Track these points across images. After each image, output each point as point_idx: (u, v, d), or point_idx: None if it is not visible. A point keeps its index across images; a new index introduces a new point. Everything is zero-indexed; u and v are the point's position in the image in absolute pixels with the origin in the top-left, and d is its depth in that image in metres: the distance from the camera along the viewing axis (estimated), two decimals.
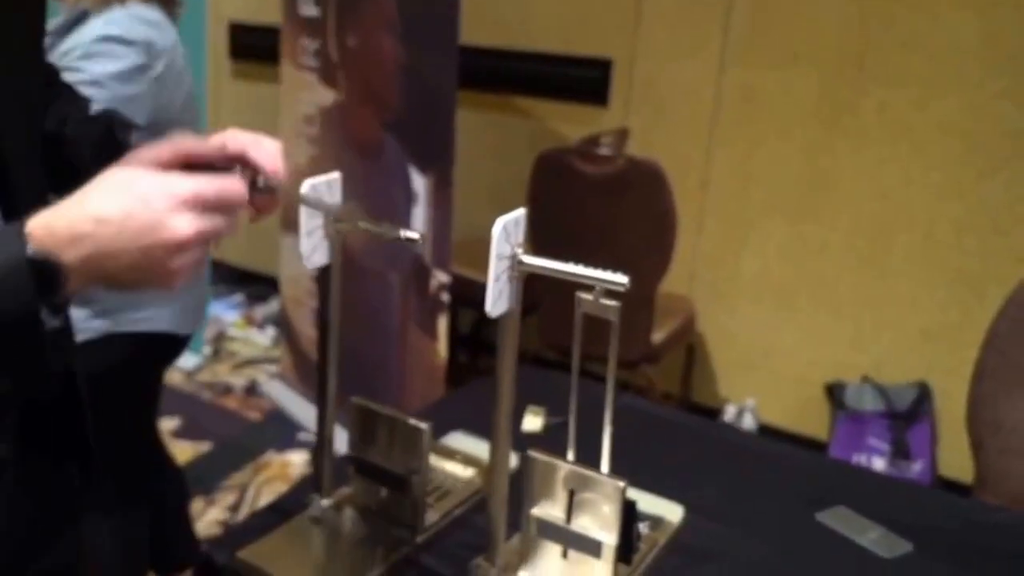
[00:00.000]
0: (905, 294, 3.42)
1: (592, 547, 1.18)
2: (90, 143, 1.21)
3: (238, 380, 4.12)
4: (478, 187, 3.52)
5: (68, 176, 1.11)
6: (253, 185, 1.09)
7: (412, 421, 1.28)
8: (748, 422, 3.71)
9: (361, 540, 1.32)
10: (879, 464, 3.31)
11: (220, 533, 3.00)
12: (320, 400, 1.31)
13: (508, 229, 1.05)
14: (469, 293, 3.36)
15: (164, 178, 0.86)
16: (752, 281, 3.71)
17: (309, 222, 1.16)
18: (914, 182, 3.31)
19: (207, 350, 4.36)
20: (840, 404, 3.52)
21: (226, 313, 4.69)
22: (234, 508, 3.17)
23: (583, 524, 1.20)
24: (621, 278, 1.01)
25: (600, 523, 1.19)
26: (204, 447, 3.45)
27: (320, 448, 1.33)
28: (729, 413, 3.77)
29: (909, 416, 3.40)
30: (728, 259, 3.74)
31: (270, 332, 4.55)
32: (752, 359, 3.79)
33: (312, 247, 1.18)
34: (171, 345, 2.24)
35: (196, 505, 3.13)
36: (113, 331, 2.06)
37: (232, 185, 0.90)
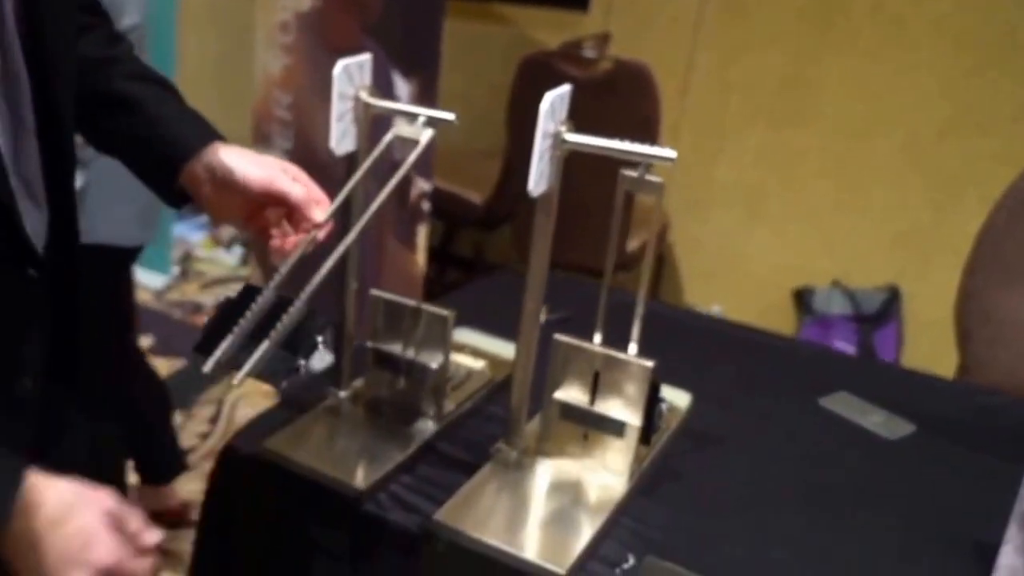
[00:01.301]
0: (881, 199, 3.43)
1: (616, 428, 1.21)
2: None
3: (207, 299, 4.08)
4: (452, 97, 3.48)
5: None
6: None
7: (436, 309, 1.29)
8: None
9: (381, 429, 1.34)
10: None
11: (196, 447, 3.00)
12: (338, 291, 1.31)
13: (555, 106, 1.04)
14: (441, 205, 3.35)
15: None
16: (725, 189, 3.70)
17: (340, 106, 1.15)
18: (900, 85, 3.30)
19: (175, 270, 4.31)
20: (808, 309, 3.56)
21: (192, 234, 4.63)
22: (212, 421, 3.17)
23: (606, 406, 1.22)
24: (669, 152, 1.01)
25: (624, 404, 1.21)
26: (179, 364, 3.43)
27: (339, 341, 1.34)
28: None
29: (877, 319, 3.45)
30: (703, 167, 3.71)
31: (237, 252, 4.50)
32: (721, 266, 3.80)
33: (341, 132, 1.17)
34: (117, 257, 2.19)
35: (176, 420, 3.12)
36: None
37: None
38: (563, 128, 1.07)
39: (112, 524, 0.84)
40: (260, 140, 3.59)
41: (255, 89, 3.58)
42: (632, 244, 3.25)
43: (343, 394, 1.37)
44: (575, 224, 2.85)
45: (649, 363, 1.17)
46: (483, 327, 1.62)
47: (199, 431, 3.10)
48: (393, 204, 3.01)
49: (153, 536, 0.86)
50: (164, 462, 2.56)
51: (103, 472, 1.11)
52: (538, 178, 1.05)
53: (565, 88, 1.06)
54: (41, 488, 0.83)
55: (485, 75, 3.70)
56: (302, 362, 0.95)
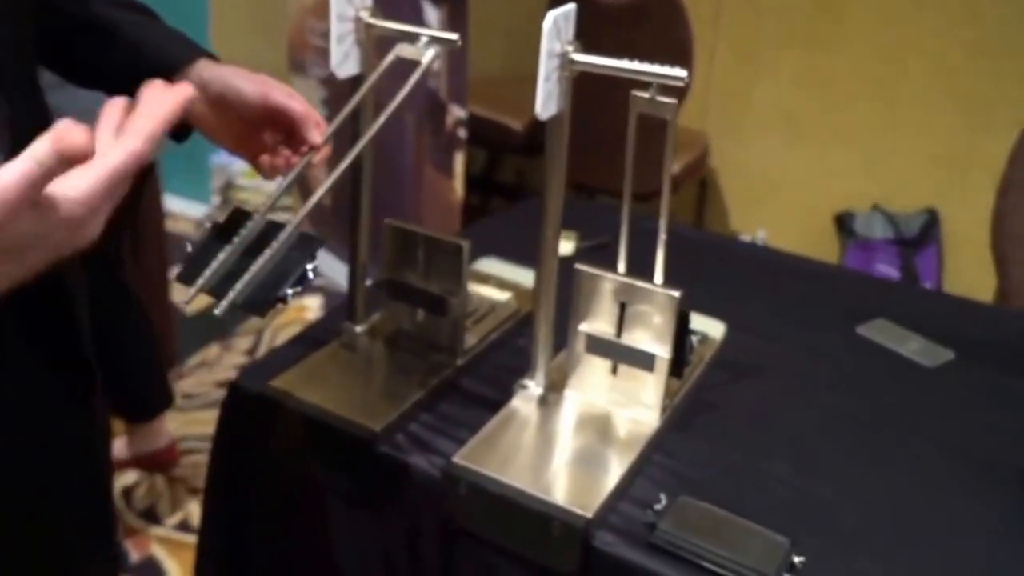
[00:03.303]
0: (915, 121, 3.37)
1: (645, 361, 1.15)
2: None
3: None
4: (488, 24, 3.40)
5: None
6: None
7: (451, 239, 1.22)
8: None
9: (398, 365, 1.29)
10: None
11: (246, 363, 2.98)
12: (352, 225, 1.25)
13: (559, 24, 0.98)
14: (481, 133, 3.28)
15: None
16: (764, 112, 3.64)
17: (340, 27, 1.08)
18: (928, 6, 3.23)
19: (215, 199, 4.27)
20: (850, 232, 3.50)
21: (232, 163, 4.57)
22: (250, 352, 3.15)
23: (634, 338, 1.16)
24: (679, 72, 0.95)
25: (653, 336, 1.15)
26: None
27: (353, 273, 1.28)
28: None
29: (917, 242, 3.41)
30: (740, 91, 3.66)
31: (279, 179, 4.43)
32: (763, 191, 3.75)
33: (343, 54, 1.10)
34: None
35: (212, 351, 3.11)
36: None
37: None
38: (570, 48, 0.99)
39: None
40: (295, 68, 3.53)
41: (289, 17, 3.51)
42: (673, 168, 3.17)
43: (359, 329, 1.31)
44: (618, 149, 2.79)
45: (676, 292, 1.11)
46: (513, 256, 1.56)
47: (236, 363, 3.08)
48: (429, 132, 2.95)
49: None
50: (144, 396, 2.44)
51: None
52: (545, 100, 0.98)
53: (570, 6, 1.00)
54: None
55: (523, 1, 3.62)
56: (289, 292, 0.89)
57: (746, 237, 3.75)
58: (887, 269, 3.38)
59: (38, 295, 0.97)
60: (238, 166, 4.55)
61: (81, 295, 1.03)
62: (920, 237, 3.41)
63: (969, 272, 3.24)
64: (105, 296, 2.11)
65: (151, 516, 2.42)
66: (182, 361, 3.00)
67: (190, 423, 2.72)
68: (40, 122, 0.92)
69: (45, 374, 1.01)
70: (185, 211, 4.05)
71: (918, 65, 3.32)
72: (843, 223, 3.55)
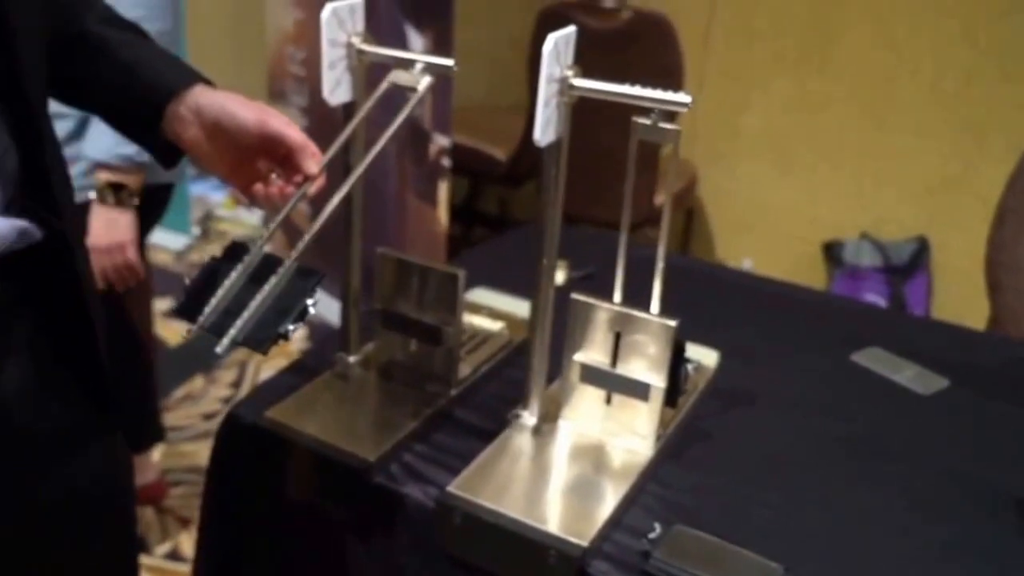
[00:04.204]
0: (907, 148, 3.36)
1: (640, 390, 1.15)
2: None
3: None
4: (472, 52, 3.41)
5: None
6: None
7: (446, 268, 1.22)
8: None
9: (392, 395, 1.28)
10: None
11: (231, 401, 2.96)
12: (345, 253, 1.25)
13: (559, 48, 0.97)
14: (464, 162, 3.28)
15: None
16: (753, 139, 3.64)
17: (332, 52, 1.08)
18: (924, 29, 3.22)
19: (195, 231, 4.27)
20: (838, 261, 3.50)
21: (212, 194, 4.58)
22: (235, 384, 3.13)
23: (629, 368, 1.16)
24: (684, 97, 0.94)
25: (647, 366, 1.14)
26: None
27: (346, 303, 1.28)
28: None
29: (907, 270, 3.40)
30: (729, 118, 3.65)
31: (258, 211, 4.44)
32: (750, 220, 3.74)
33: (335, 81, 1.10)
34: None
35: (197, 384, 3.09)
36: None
37: None
38: (570, 73, 0.99)
39: None
40: (275, 97, 3.52)
41: (268, 45, 3.51)
42: (660, 198, 3.19)
43: (352, 359, 1.31)
44: (601, 178, 2.81)
45: (672, 322, 1.10)
46: (502, 286, 1.56)
47: (221, 395, 3.06)
48: (411, 161, 2.95)
49: None
50: (140, 429, 2.40)
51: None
52: (544, 126, 0.97)
53: (570, 29, 0.99)
54: None
55: (507, 30, 3.63)
56: (290, 327, 0.88)
57: (731, 267, 3.75)
58: (875, 298, 3.37)
59: (68, 331, 0.99)
60: (217, 197, 4.55)
61: (102, 331, 1.03)
62: (910, 265, 3.39)
63: (958, 301, 3.23)
64: (109, 330, 2.12)
65: (141, 546, 2.40)
66: (167, 394, 2.98)
67: (176, 455, 2.70)
68: (45, 145, 0.92)
69: (72, 409, 1.02)
70: (164, 243, 4.03)
71: (911, 91, 3.30)
72: (831, 252, 3.54)
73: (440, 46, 2.73)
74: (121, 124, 1.06)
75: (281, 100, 3.43)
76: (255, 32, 3.71)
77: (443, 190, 2.91)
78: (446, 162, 2.86)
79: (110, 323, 1.03)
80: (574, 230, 1.73)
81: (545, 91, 0.96)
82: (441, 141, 2.84)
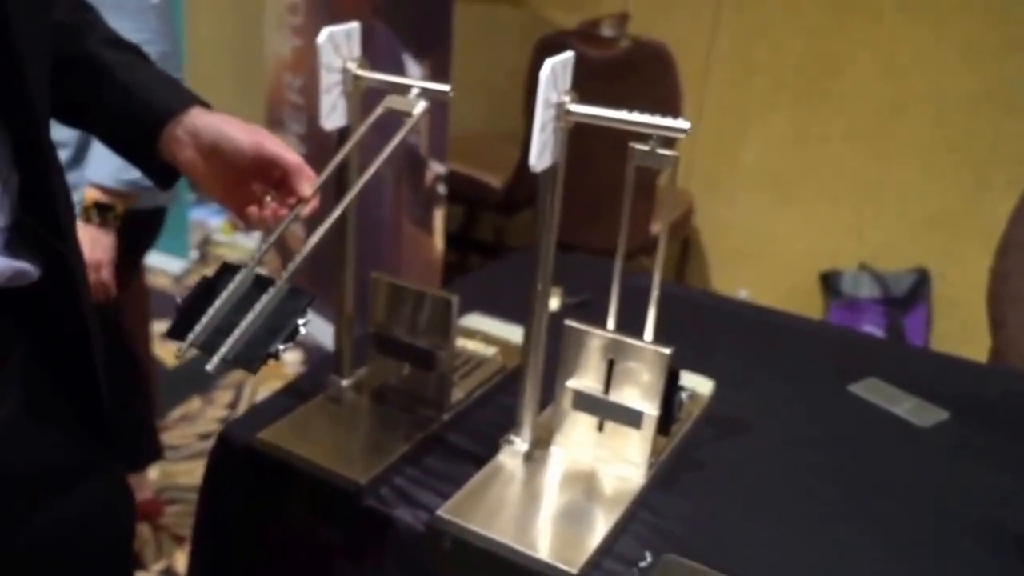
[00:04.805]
0: (908, 179, 3.35)
1: (632, 418, 1.14)
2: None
3: None
4: (469, 81, 3.42)
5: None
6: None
7: (440, 293, 1.22)
8: None
9: (384, 419, 1.28)
10: None
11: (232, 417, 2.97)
12: (338, 277, 1.25)
13: (556, 73, 0.97)
14: (460, 189, 3.29)
15: None
16: (751, 170, 3.63)
17: (328, 78, 1.08)
18: (926, 62, 3.22)
19: (193, 255, 4.27)
20: (835, 292, 3.49)
21: (211, 218, 4.59)
22: (232, 405, 3.13)
23: (622, 395, 1.15)
24: (682, 123, 0.94)
25: (641, 393, 1.14)
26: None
27: (339, 327, 1.28)
28: None
29: (906, 302, 3.37)
30: (727, 148, 3.65)
31: (256, 235, 4.45)
32: (747, 249, 3.73)
33: (330, 106, 1.10)
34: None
35: (193, 405, 3.09)
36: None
37: None
38: (567, 98, 0.99)
39: None
40: (274, 124, 3.54)
41: (266, 72, 3.53)
42: (656, 227, 3.19)
43: (345, 382, 1.31)
44: (598, 205, 2.81)
45: (666, 350, 1.10)
46: (497, 312, 1.56)
47: (218, 416, 3.07)
48: (407, 187, 2.95)
49: None
50: (137, 448, 2.43)
51: None
52: (540, 151, 0.97)
53: (568, 55, 0.99)
54: None
55: (504, 59, 3.64)
56: (280, 347, 0.88)
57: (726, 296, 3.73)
58: (873, 329, 3.35)
59: (66, 356, 0.99)
60: (216, 222, 4.57)
61: (101, 356, 1.03)
62: (909, 297, 3.37)
63: (958, 334, 3.22)
64: (106, 354, 2.13)
65: (137, 563, 2.41)
66: (164, 414, 3.00)
67: (173, 474, 2.72)
68: (47, 158, 0.92)
69: (68, 438, 1.02)
70: (163, 266, 4.06)
71: (912, 124, 3.29)
72: (829, 282, 3.53)
73: (437, 74, 2.74)
74: (119, 145, 1.06)
75: (279, 127, 3.44)
76: (255, 60, 3.73)
77: (438, 217, 2.91)
78: (442, 189, 2.87)
79: (107, 342, 1.03)
80: (569, 257, 1.73)
81: (542, 116, 0.96)
82: (437, 168, 2.84)
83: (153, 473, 2.53)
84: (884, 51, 3.27)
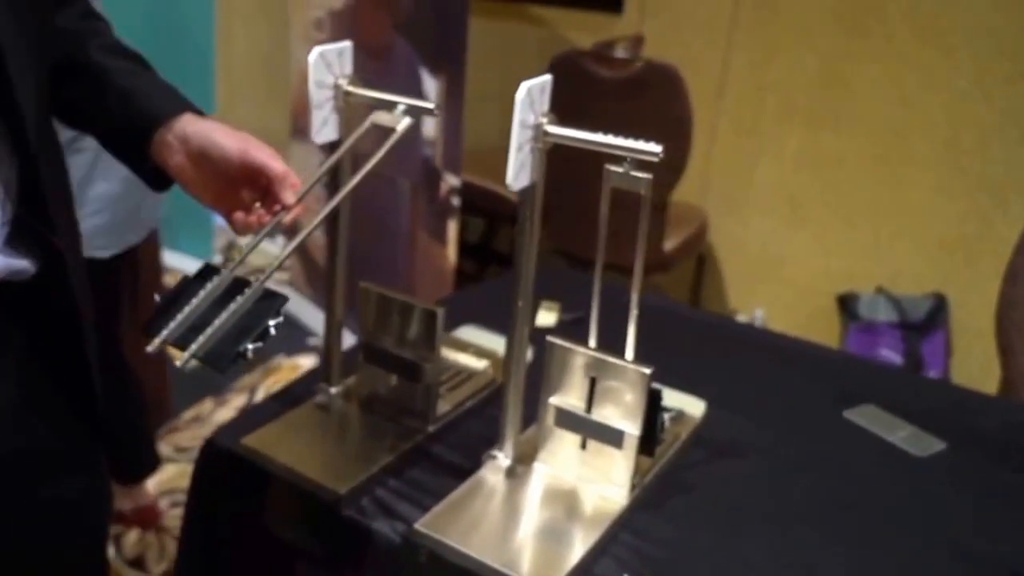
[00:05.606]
0: (923, 203, 3.32)
1: (614, 437, 1.14)
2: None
3: None
4: (488, 97, 3.43)
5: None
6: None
7: (425, 305, 1.22)
8: None
9: (370, 429, 1.28)
10: None
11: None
12: (328, 286, 1.25)
13: (532, 95, 0.98)
14: (479, 202, 3.30)
15: None
16: (766, 191, 3.62)
17: (319, 94, 1.09)
18: (938, 87, 3.20)
19: (218, 258, 4.30)
20: (853, 315, 3.46)
21: None
22: (244, 408, 3.14)
23: (604, 414, 1.15)
24: (654, 147, 0.94)
25: (623, 413, 1.13)
26: None
27: (329, 335, 1.28)
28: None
29: (924, 327, 3.33)
30: (743, 168, 3.64)
31: (280, 241, 4.48)
32: (763, 270, 3.72)
33: (322, 121, 1.11)
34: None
35: (206, 406, 3.11)
36: None
37: None
38: (544, 120, 1.00)
39: None
40: (297, 134, 3.57)
41: (292, 83, 3.57)
42: (668, 244, 3.18)
43: (334, 390, 1.31)
44: (612, 222, 2.79)
45: (647, 369, 1.10)
46: (495, 325, 1.55)
47: (229, 419, 3.07)
48: (423, 198, 2.97)
49: None
50: (135, 461, 2.48)
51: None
52: (517, 172, 0.98)
53: (545, 78, 1.00)
54: None
55: (522, 75, 3.60)
56: (249, 347, 0.89)
57: (743, 317, 3.72)
58: (890, 354, 3.32)
59: (62, 351, 1.02)
60: None
61: (94, 352, 1.06)
62: (927, 322, 3.32)
63: (978, 361, 3.17)
64: (104, 369, 2.15)
65: (140, 565, 2.43)
66: (176, 415, 3.01)
67: (182, 476, 2.72)
68: (54, 168, 0.95)
69: (60, 431, 1.06)
70: (185, 267, 4.08)
71: (928, 146, 3.27)
72: (846, 305, 3.50)
73: (453, 88, 2.76)
74: (114, 148, 1.10)
75: (303, 137, 3.47)
76: (283, 72, 3.76)
77: (452, 228, 2.92)
78: (456, 201, 2.89)
79: (108, 363, 1.07)
80: (577, 273, 1.73)
81: (518, 137, 0.97)
82: (451, 181, 2.86)
83: (164, 475, 2.54)
84: (895, 74, 3.26)
